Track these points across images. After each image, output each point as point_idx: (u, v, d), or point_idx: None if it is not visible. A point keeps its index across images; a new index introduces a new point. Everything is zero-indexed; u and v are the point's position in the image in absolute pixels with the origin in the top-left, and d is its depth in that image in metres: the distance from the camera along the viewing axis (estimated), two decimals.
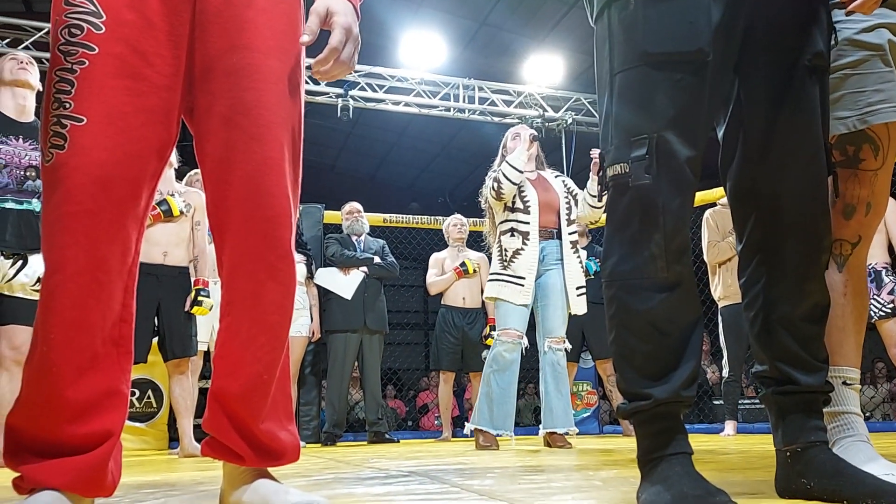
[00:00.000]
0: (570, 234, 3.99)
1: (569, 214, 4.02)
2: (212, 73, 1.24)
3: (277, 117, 1.25)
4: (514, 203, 3.92)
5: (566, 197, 4.06)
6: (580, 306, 3.94)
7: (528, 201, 3.92)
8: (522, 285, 3.80)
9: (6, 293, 3.26)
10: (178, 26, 1.22)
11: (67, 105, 1.12)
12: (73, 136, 1.11)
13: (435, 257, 5.85)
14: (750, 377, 1.40)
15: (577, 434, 4.41)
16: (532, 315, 3.92)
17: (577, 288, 3.94)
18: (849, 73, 1.43)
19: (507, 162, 3.88)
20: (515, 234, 3.88)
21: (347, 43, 1.29)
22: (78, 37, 1.14)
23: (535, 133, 4.07)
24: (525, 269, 3.82)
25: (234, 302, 1.25)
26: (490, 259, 4.13)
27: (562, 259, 3.95)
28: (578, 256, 4.03)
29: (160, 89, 1.19)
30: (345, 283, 5.36)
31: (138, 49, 1.17)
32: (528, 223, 3.88)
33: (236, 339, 1.24)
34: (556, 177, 4.17)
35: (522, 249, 3.85)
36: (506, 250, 3.88)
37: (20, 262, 3.28)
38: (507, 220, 3.93)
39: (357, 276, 5.37)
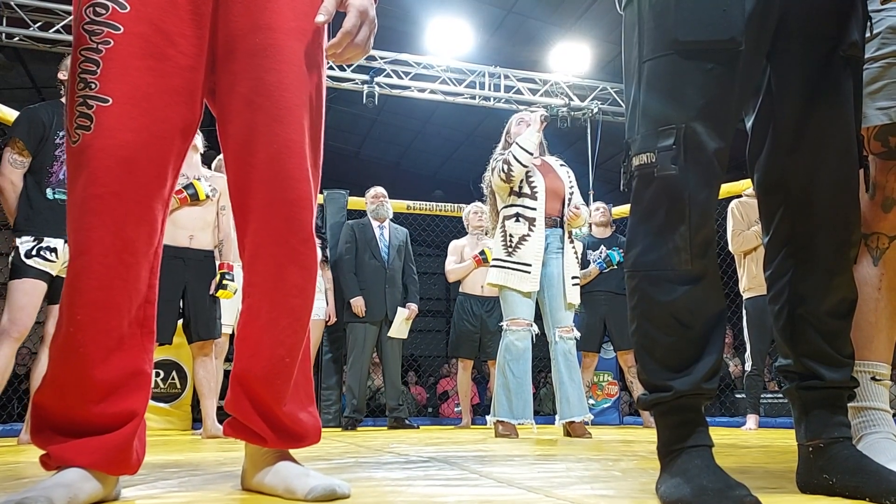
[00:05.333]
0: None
1: (570, 204, 4.00)
2: (234, 53, 1.24)
3: (298, 99, 1.25)
4: (520, 188, 3.89)
5: (570, 186, 4.04)
6: (574, 296, 3.92)
7: (535, 187, 3.89)
8: (529, 272, 3.78)
9: (63, 276, 3.33)
10: (202, 5, 1.22)
11: (93, 85, 1.12)
12: (99, 117, 1.12)
13: (454, 244, 5.84)
14: (773, 371, 1.38)
15: (597, 424, 4.40)
16: (537, 303, 3.91)
17: (573, 278, 3.92)
18: (892, 61, 1.40)
19: (517, 143, 3.84)
20: (521, 219, 3.85)
21: (363, 26, 1.28)
22: (103, 16, 1.14)
23: (546, 115, 4.03)
24: (531, 255, 3.80)
25: (256, 284, 1.26)
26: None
27: (562, 248, 3.94)
28: (574, 247, 4.01)
29: (183, 69, 1.20)
30: (396, 328, 5.42)
31: (162, 29, 1.17)
32: (534, 209, 3.86)
33: (257, 321, 1.25)
34: (560, 165, 4.14)
35: (528, 236, 3.83)
36: (511, 236, 3.86)
37: None
38: (512, 206, 3.90)
39: (401, 314, 5.42)
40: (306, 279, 1.27)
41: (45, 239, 3.31)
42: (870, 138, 1.44)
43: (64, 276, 3.32)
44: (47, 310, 3.44)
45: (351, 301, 5.30)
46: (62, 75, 3.55)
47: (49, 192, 3.36)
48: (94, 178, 1.11)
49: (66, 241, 3.25)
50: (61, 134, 3.40)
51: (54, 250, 3.33)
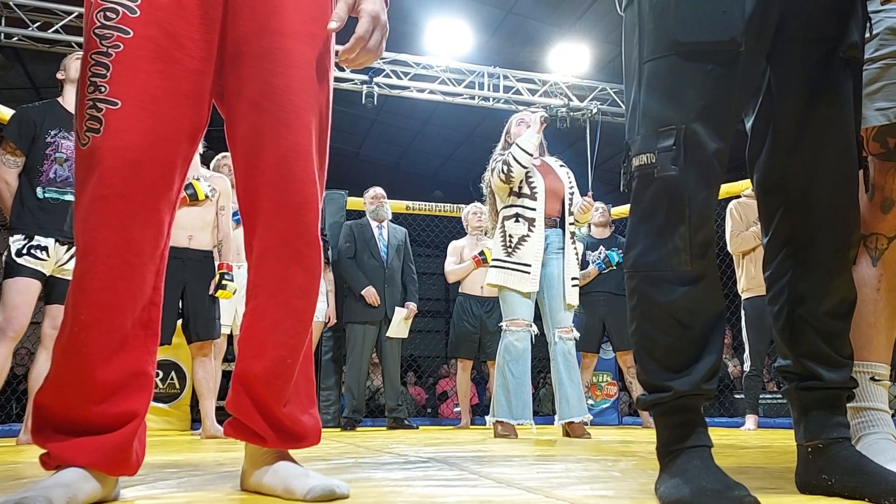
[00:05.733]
0: (569, 224, 3.98)
1: (570, 204, 4.01)
2: (242, 57, 1.24)
3: (306, 103, 1.25)
4: (520, 188, 3.90)
5: (570, 187, 4.04)
6: (573, 297, 3.93)
7: (535, 187, 3.90)
8: (528, 273, 3.79)
9: (58, 276, 3.41)
10: (211, 10, 1.22)
11: (103, 89, 1.13)
12: (109, 120, 1.12)
13: (453, 245, 5.84)
14: (772, 371, 1.38)
15: (596, 425, 4.40)
16: (536, 304, 3.91)
17: (572, 279, 3.93)
18: (890, 62, 1.40)
19: (517, 145, 3.85)
20: (521, 220, 3.85)
21: (375, 31, 1.28)
22: (113, 20, 1.15)
23: (546, 116, 4.04)
24: (531, 255, 3.81)
25: (261, 286, 1.26)
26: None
27: (563, 249, 3.94)
28: (575, 247, 4.02)
29: (192, 73, 1.20)
30: (395, 327, 5.39)
31: (171, 32, 1.18)
32: (534, 209, 3.86)
33: (261, 322, 1.26)
34: (560, 166, 4.15)
35: (528, 236, 3.83)
36: (510, 236, 3.86)
37: (74, 249, 3.37)
38: (512, 206, 3.90)
39: (399, 313, 5.39)
40: (310, 281, 1.27)
41: (36, 237, 3.33)
42: (868, 139, 1.44)
43: (59, 276, 3.36)
44: (44, 310, 3.46)
45: (362, 293, 5.30)
46: (61, 76, 3.57)
47: (39, 191, 3.38)
48: (101, 179, 1.11)
49: (56, 240, 3.32)
50: (52, 133, 3.42)
51: (45, 249, 3.35)
